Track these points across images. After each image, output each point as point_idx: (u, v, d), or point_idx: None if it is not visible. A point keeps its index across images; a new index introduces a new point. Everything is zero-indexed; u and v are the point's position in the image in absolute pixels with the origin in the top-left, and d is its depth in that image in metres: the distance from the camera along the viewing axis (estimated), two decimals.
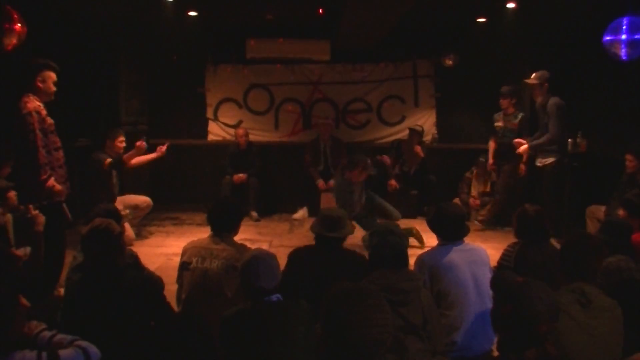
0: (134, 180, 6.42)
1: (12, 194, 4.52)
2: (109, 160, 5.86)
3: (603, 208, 5.60)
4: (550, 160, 6.01)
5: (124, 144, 6.12)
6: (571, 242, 2.95)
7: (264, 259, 2.67)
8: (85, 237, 2.90)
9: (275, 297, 2.61)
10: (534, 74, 6.07)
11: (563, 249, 2.95)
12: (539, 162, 6.19)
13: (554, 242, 5.13)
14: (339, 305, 1.77)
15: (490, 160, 6.99)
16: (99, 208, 3.72)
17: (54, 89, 4.34)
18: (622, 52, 5.08)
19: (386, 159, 7.22)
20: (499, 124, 6.81)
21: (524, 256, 3.51)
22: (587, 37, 5.97)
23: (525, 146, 6.06)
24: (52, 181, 4.15)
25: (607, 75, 6.36)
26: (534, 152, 6.11)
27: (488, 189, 7.60)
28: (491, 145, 6.96)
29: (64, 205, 4.37)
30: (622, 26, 5.02)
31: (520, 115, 6.64)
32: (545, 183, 6.14)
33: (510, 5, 6.30)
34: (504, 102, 6.74)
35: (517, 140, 6.20)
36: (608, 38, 5.15)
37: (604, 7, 5.55)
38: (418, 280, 2.93)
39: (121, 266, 2.95)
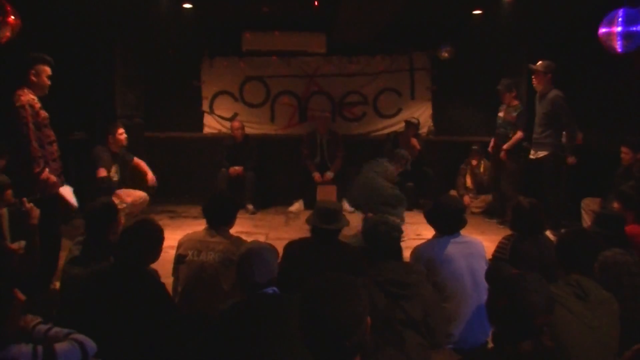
0: (130, 174, 6.41)
1: (9, 192, 4.51)
2: (104, 174, 5.89)
3: (599, 200, 5.61)
4: (543, 153, 6.03)
5: (124, 135, 6.17)
6: (567, 237, 2.96)
7: (260, 253, 2.65)
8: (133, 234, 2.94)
9: (271, 289, 2.60)
10: (540, 62, 6.04)
11: (559, 244, 2.96)
12: (532, 155, 6.20)
13: (549, 234, 5.17)
14: (312, 290, 1.80)
15: (490, 149, 6.98)
16: (96, 202, 3.71)
17: (48, 83, 4.32)
18: (618, 45, 5.07)
19: None
20: (500, 114, 6.80)
21: (519, 248, 3.52)
22: (582, 29, 5.96)
23: (572, 158, 6.11)
24: (46, 173, 4.14)
25: (602, 68, 6.36)
26: (572, 152, 6.10)
27: (483, 177, 7.61)
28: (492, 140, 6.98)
29: (70, 190, 4.41)
30: (618, 18, 5.00)
31: (520, 109, 6.62)
32: (542, 176, 6.15)
33: None
34: (506, 98, 6.71)
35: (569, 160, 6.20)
36: (604, 30, 5.13)
37: None
38: (420, 274, 2.94)
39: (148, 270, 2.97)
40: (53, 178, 4.22)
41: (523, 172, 6.60)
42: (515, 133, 6.56)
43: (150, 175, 6.34)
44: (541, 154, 6.05)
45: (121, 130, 6.15)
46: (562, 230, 5.84)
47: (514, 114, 6.61)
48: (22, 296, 2.36)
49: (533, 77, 6.14)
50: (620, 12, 5.00)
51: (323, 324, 1.73)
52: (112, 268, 2.89)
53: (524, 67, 6.98)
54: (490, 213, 7.28)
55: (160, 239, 3.03)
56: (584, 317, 2.57)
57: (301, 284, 1.87)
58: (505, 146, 6.56)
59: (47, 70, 4.32)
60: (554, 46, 6.85)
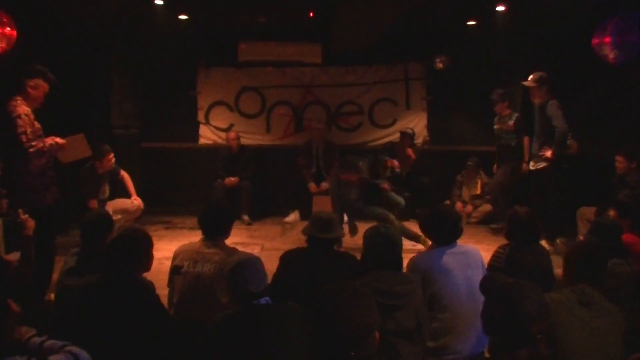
0: (121, 186, 6.41)
1: (4, 202, 4.50)
2: (94, 205, 5.81)
3: (594, 209, 5.62)
4: (543, 164, 6.03)
5: (113, 160, 6.08)
6: (574, 250, 2.97)
7: (251, 263, 2.66)
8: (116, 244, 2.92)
9: (264, 300, 2.60)
10: (531, 76, 6.06)
11: (566, 257, 2.97)
12: (532, 166, 6.20)
13: (544, 243, 5.17)
14: (324, 299, 1.80)
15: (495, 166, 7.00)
16: (91, 213, 3.71)
17: (42, 99, 4.32)
18: (611, 54, 5.11)
19: (396, 164, 6.78)
20: (496, 126, 6.87)
21: (515, 258, 3.51)
22: (576, 39, 6.00)
23: (550, 152, 5.93)
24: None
25: (597, 77, 6.40)
26: (559, 153, 5.94)
27: (479, 191, 7.65)
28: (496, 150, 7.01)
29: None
30: (611, 28, 5.05)
31: (515, 116, 6.67)
32: (537, 184, 6.16)
33: (500, 8, 6.34)
34: (498, 107, 6.78)
35: (542, 151, 6.04)
36: (597, 40, 5.18)
37: (593, 9, 5.59)
38: (412, 283, 2.93)
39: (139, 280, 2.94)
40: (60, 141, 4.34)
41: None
42: (518, 140, 6.65)
43: (134, 198, 6.27)
44: (541, 165, 6.06)
45: (110, 156, 6.04)
46: (558, 240, 5.89)
47: (510, 122, 6.65)
48: (16, 307, 2.35)
49: (530, 92, 6.16)
50: (613, 22, 5.04)
51: (332, 331, 1.73)
52: (104, 279, 2.87)
53: (518, 77, 7.02)
54: (488, 223, 7.30)
55: (149, 246, 3.01)
56: (587, 324, 2.58)
57: (297, 293, 1.87)
58: (526, 158, 6.55)
59: (46, 87, 4.32)
60: (547, 56, 6.89)
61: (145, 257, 2.98)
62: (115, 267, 2.85)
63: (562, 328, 2.51)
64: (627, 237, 3.76)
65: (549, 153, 5.94)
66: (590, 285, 2.75)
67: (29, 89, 4.22)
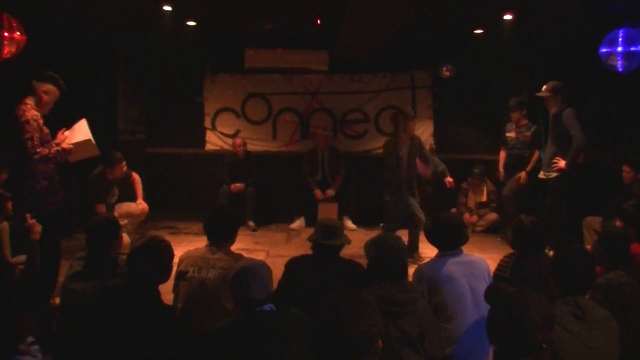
0: (130, 189, 6.41)
1: (9, 205, 4.51)
2: (102, 210, 5.81)
3: (600, 219, 5.60)
4: (555, 174, 5.99)
5: (125, 168, 6.08)
6: (562, 256, 2.95)
7: (254, 270, 2.65)
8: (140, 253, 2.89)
9: (268, 307, 2.59)
10: (544, 86, 6.04)
11: (555, 263, 2.94)
12: (543, 175, 6.17)
13: (549, 252, 5.15)
14: (328, 307, 1.80)
15: (500, 170, 6.97)
16: (98, 217, 3.71)
17: (52, 104, 4.35)
18: (619, 64, 5.09)
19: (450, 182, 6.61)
20: (510, 134, 6.82)
21: (520, 267, 3.51)
22: (583, 48, 5.98)
23: (563, 162, 5.87)
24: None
25: (603, 87, 6.38)
26: (573, 164, 5.89)
27: (485, 199, 7.63)
28: (502, 155, 6.97)
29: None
30: (618, 38, 5.04)
31: (533, 128, 6.64)
32: (548, 194, 6.12)
33: (508, 17, 6.33)
34: (514, 115, 6.74)
35: (554, 160, 5.97)
36: (604, 50, 5.16)
37: (600, 19, 5.58)
38: (416, 292, 2.92)
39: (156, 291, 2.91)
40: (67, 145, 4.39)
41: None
42: (530, 153, 6.60)
43: (139, 201, 6.24)
44: (553, 174, 6.01)
45: (122, 165, 6.02)
46: (551, 251, 5.85)
47: (527, 134, 6.62)
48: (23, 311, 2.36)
49: (545, 102, 6.12)
50: (621, 32, 5.03)
51: (336, 340, 1.73)
52: (124, 286, 2.86)
53: (524, 85, 7.01)
54: (493, 231, 7.27)
55: (170, 258, 2.99)
56: (582, 337, 2.56)
57: (302, 300, 1.87)
58: (528, 168, 6.59)
59: (57, 93, 4.35)
60: (554, 65, 6.89)
61: (166, 268, 2.96)
62: (136, 275, 2.83)
63: (557, 343, 2.47)
64: (636, 248, 3.73)
65: (562, 163, 5.89)
66: (579, 294, 2.73)
67: (41, 94, 4.25)
